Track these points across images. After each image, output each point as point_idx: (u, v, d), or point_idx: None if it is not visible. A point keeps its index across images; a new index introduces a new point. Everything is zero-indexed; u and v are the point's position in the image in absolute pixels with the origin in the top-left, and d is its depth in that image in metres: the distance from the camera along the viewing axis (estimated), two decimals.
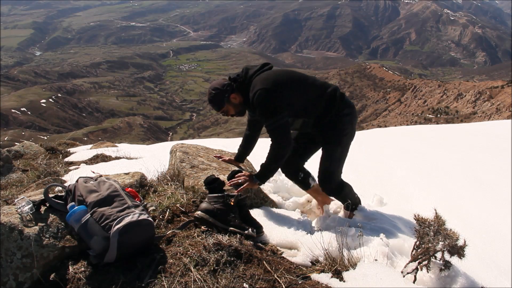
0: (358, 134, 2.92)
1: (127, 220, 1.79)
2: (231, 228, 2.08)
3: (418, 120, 69.66)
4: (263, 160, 2.57)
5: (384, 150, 6.27)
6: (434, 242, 1.80)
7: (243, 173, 2.56)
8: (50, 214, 1.94)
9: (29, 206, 1.89)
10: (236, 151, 3.28)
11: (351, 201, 2.93)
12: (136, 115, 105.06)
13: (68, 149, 5.92)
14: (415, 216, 1.97)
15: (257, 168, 3.22)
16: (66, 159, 5.02)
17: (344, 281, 1.77)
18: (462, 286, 1.86)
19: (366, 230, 2.45)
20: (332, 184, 2.84)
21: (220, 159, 3.13)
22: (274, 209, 2.68)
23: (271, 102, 2.45)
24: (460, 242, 1.79)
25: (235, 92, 2.58)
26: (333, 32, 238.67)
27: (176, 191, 2.56)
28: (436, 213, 1.91)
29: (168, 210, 2.27)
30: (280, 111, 2.47)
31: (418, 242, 1.89)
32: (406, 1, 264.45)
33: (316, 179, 3.15)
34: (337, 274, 1.83)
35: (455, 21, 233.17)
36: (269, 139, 2.56)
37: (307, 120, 2.70)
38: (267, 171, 2.53)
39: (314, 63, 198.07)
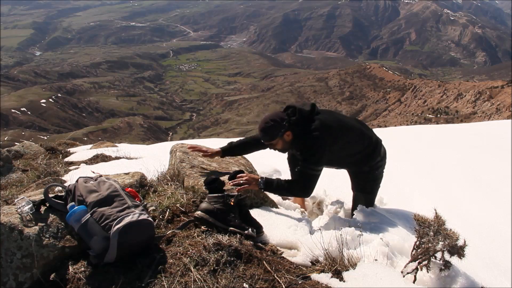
0: None
1: (127, 220, 1.79)
2: (231, 228, 2.08)
3: (418, 120, 69.67)
4: (264, 160, 2.59)
5: None
6: (434, 242, 1.80)
7: (245, 174, 2.57)
8: (50, 214, 1.93)
9: (29, 206, 1.88)
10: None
11: None
12: (136, 115, 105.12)
13: (68, 149, 5.92)
14: (415, 216, 1.97)
15: (258, 168, 3.23)
16: (66, 159, 5.02)
17: (344, 281, 1.77)
18: (462, 286, 1.86)
19: (366, 230, 2.44)
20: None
21: (195, 150, 2.93)
22: (274, 209, 2.68)
23: (321, 151, 2.51)
24: (460, 242, 1.79)
25: (290, 129, 2.56)
26: (333, 32, 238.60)
27: (176, 191, 2.56)
28: (436, 213, 1.91)
29: (168, 210, 2.27)
30: (322, 162, 2.54)
31: (418, 242, 1.89)
32: (406, 1, 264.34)
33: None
34: (337, 274, 1.83)
35: (455, 21, 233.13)
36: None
37: (342, 168, 2.86)
38: (275, 189, 2.58)
39: (314, 63, 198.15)
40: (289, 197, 3.37)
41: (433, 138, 7.60)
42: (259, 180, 2.53)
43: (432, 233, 1.84)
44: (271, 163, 3.92)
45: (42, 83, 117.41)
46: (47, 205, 1.97)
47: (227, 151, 2.93)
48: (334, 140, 2.58)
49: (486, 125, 11.28)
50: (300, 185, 2.56)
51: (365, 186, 2.89)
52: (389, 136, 8.56)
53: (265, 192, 2.63)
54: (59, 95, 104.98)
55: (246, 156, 3.35)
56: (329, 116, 2.66)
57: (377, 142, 2.81)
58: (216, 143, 3.13)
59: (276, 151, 2.73)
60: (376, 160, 2.78)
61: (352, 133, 2.70)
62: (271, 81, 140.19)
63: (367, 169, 2.80)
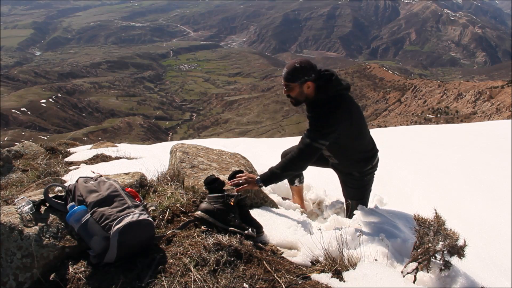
0: None
1: (127, 220, 1.79)
2: (231, 228, 2.08)
3: (418, 120, 69.72)
4: (264, 160, 2.57)
5: (384, 150, 6.25)
6: (434, 242, 1.80)
7: (244, 174, 2.57)
8: (50, 214, 1.93)
9: (29, 206, 1.88)
10: (235, 151, 3.27)
11: None
12: (136, 115, 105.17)
13: (68, 149, 5.92)
14: (415, 216, 1.97)
15: (258, 168, 3.23)
16: (66, 159, 5.02)
17: (344, 281, 1.77)
18: (462, 286, 1.86)
19: (366, 230, 2.45)
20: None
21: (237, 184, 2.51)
22: (274, 209, 2.68)
23: (333, 125, 2.43)
24: (460, 242, 1.79)
25: (314, 83, 2.46)
26: (333, 32, 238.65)
27: (176, 191, 2.55)
28: (436, 213, 1.91)
29: (168, 210, 2.27)
30: (328, 137, 2.44)
31: (418, 242, 1.89)
32: (406, 1, 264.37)
33: (305, 181, 3.30)
34: (337, 274, 1.83)
35: (455, 21, 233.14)
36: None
37: (333, 158, 2.78)
38: (273, 177, 2.55)
39: (314, 63, 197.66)
40: (289, 197, 3.37)
41: (433, 138, 7.60)
42: (257, 178, 2.53)
43: (432, 233, 1.83)
44: (271, 163, 3.92)
45: (42, 83, 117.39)
46: (47, 205, 1.97)
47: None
48: (349, 122, 2.48)
49: (486, 125, 11.28)
50: (300, 156, 2.47)
51: (356, 194, 2.88)
52: (389, 136, 8.56)
53: (267, 186, 2.58)
54: (59, 95, 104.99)
55: (246, 156, 3.35)
56: (355, 102, 2.63)
57: (375, 151, 2.82)
58: (216, 143, 3.14)
59: (290, 101, 2.57)
60: (368, 167, 2.77)
61: (365, 129, 2.69)
62: (271, 81, 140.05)
63: (357, 175, 2.78)
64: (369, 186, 2.90)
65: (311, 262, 2.00)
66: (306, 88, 2.47)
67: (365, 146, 2.73)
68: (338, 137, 2.52)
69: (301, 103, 2.56)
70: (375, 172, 2.91)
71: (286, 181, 3.52)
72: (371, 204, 3.34)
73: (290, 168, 2.51)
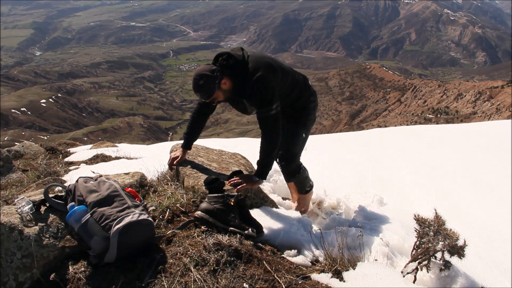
0: (358, 134, 2.95)
1: (127, 220, 1.79)
2: (231, 228, 2.08)
3: (418, 120, 69.74)
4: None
5: (384, 150, 6.27)
6: (434, 242, 1.80)
7: (243, 174, 2.57)
8: (50, 214, 1.93)
9: (29, 206, 1.88)
10: (235, 151, 3.27)
11: (307, 185, 3.02)
12: (136, 115, 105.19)
13: (68, 149, 5.91)
14: (415, 216, 1.97)
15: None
16: (66, 159, 5.01)
17: (344, 281, 1.77)
18: (462, 286, 1.86)
19: (366, 230, 2.45)
20: (292, 165, 2.95)
21: (174, 163, 2.87)
22: (274, 209, 2.68)
23: (271, 89, 2.45)
24: (460, 242, 1.79)
25: (225, 77, 2.45)
26: (333, 32, 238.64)
27: (176, 191, 2.55)
28: (436, 213, 1.91)
29: (168, 210, 2.27)
30: (276, 100, 2.47)
31: (418, 242, 1.89)
32: (406, 1, 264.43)
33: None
34: (337, 274, 1.83)
35: (455, 21, 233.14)
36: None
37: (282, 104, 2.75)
38: (263, 167, 2.54)
39: (314, 63, 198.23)
40: (289, 197, 3.37)
41: (433, 138, 7.60)
42: (253, 176, 2.53)
43: (432, 233, 1.84)
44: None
45: (42, 83, 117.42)
46: (47, 205, 1.97)
47: (189, 143, 2.90)
48: (274, 73, 2.51)
49: (486, 125, 11.28)
50: (269, 135, 2.49)
51: (298, 117, 2.81)
52: (389, 136, 8.56)
53: (263, 178, 2.57)
54: (59, 95, 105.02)
55: (246, 156, 3.35)
56: (259, 54, 2.62)
57: (306, 80, 2.83)
58: (216, 143, 3.14)
59: (221, 103, 2.67)
60: (309, 95, 2.79)
61: (284, 68, 2.69)
62: None
63: (301, 105, 2.78)
64: (311, 116, 2.86)
65: (311, 262, 2.00)
66: (223, 85, 2.46)
67: (296, 80, 2.73)
68: (280, 88, 2.55)
69: (231, 96, 2.58)
70: (316, 107, 2.91)
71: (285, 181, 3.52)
72: (371, 204, 3.35)
73: (269, 147, 2.51)
